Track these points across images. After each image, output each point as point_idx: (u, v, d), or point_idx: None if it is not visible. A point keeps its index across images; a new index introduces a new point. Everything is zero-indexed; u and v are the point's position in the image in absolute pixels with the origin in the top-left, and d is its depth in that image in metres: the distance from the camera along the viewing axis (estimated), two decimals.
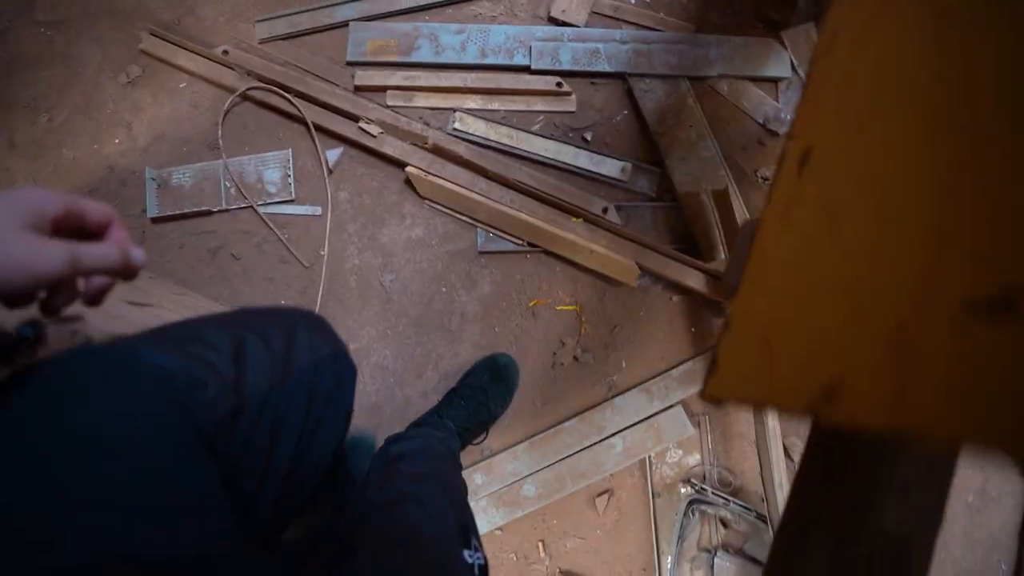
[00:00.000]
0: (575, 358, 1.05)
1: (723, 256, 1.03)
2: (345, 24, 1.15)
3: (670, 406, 1.04)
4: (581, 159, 1.10)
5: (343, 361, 0.55)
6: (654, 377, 1.05)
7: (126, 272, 0.36)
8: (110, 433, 0.33)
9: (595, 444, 1.02)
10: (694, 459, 1.04)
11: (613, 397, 1.04)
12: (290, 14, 1.16)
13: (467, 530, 0.58)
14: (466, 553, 0.54)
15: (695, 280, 1.03)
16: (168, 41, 1.13)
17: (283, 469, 0.44)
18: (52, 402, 0.33)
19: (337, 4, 1.16)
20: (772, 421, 1.01)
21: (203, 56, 1.12)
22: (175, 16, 1.17)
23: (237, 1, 1.17)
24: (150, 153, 1.11)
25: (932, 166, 0.24)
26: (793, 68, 1.16)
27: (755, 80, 1.16)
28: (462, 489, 0.73)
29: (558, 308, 1.06)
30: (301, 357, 0.48)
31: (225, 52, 1.13)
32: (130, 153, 1.11)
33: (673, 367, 1.06)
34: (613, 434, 1.02)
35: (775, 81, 1.16)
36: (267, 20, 1.16)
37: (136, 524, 0.31)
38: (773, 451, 1.01)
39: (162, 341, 0.40)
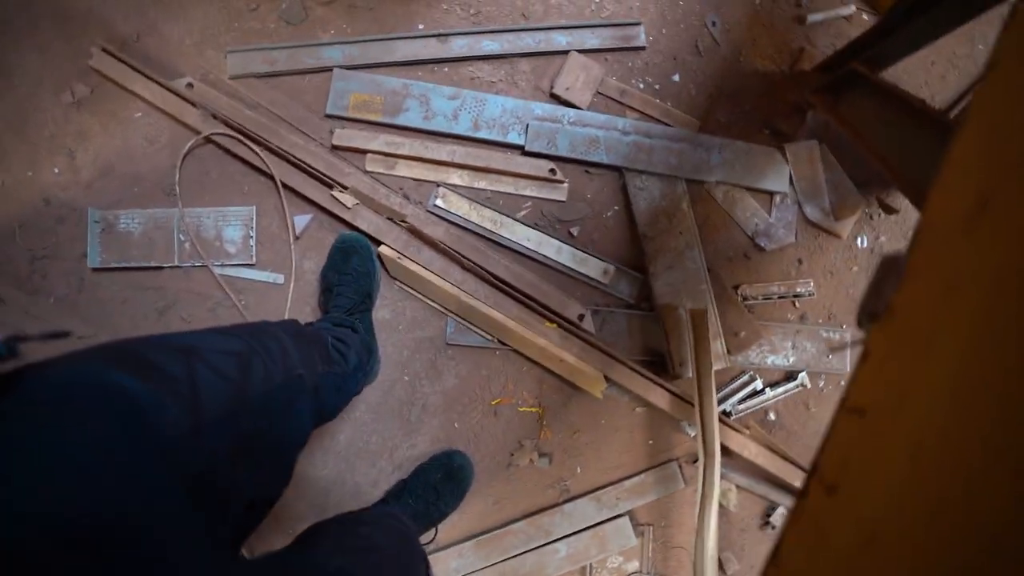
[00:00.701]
0: (531, 461, 1.04)
1: (690, 374, 1.02)
2: (329, 70, 1.05)
3: (617, 516, 1.05)
4: (564, 255, 1.06)
5: (295, 384, 0.59)
6: (607, 486, 1.06)
7: None
8: (76, 448, 0.34)
9: (541, 547, 1.03)
10: (632, 566, 1.07)
11: (564, 502, 1.05)
12: (267, 48, 1.04)
13: (424, 558, 0.69)
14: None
15: (660, 398, 1.03)
16: (123, 62, 1.00)
17: (247, 488, 0.47)
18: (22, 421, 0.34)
19: (322, 44, 1.05)
20: (711, 540, 1.04)
21: (163, 87, 1.00)
22: (134, 30, 1.03)
23: (208, 24, 1.04)
24: (95, 190, 1.00)
25: None
26: (791, 183, 1.13)
27: (752, 190, 1.13)
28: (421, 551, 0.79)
29: (521, 409, 1.05)
30: (256, 385, 0.51)
31: (189, 85, 1.01)
32: (71, 187, 1.00)
33: (626, 478, 1.07)
34: (559, 539, 1.04)
35: (771, 194, 1.13)
36: (241, 52, 1.04)
37: (97, 506, 0.33)
38: (709, 565, 1.04)
39: (120, 362, 0.41)
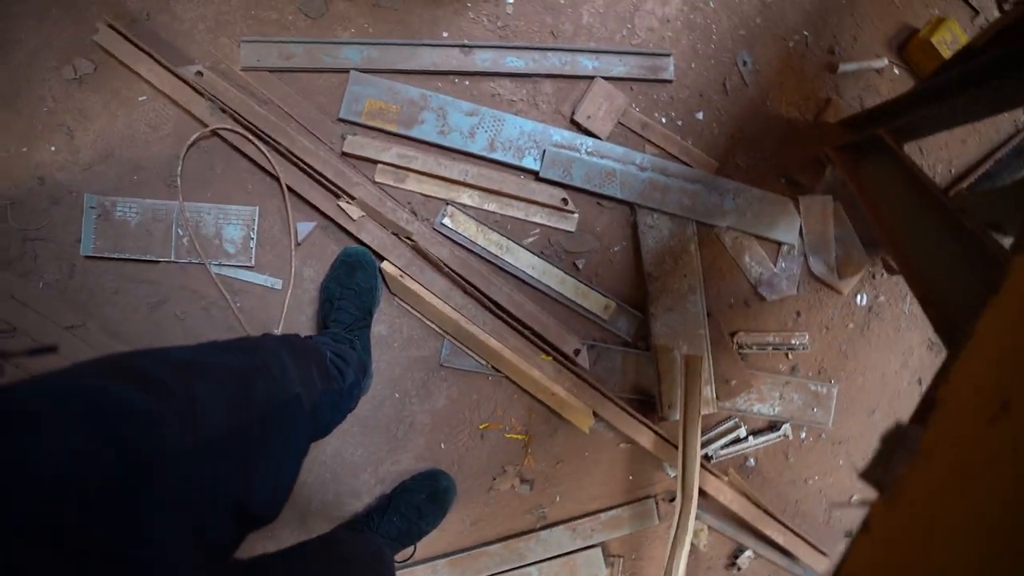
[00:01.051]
0: (512, 486, 1.06)
1: (677, 417, 1.04)
2: (345, 71, 1.01)
3: (590, 546, 1.08)
4: (567, 286, 1.06)
5: (293, 405, 0.59)
6: (584, 516, 1.08)
7: None
8: (65, 457, 0.34)
9: (513, 570, 1.06)
10: None
11: (540, 529, 1.07)
12: (284, 42, 1.00)
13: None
14: None
15: (645, 439, 1.05)
16: (130, 41, 0.95)
17: (244, 506, 0.47)
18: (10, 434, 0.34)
19: (341, 43, 1.01)
20: None
21: (172, 73, 0.95)
22: (144, 7, 0.98)
23: (223, 8, 0.99)
24: (93, 173, 0.97)
25: None
26: (800, 235, 1.13)
27: (761, 239, 1.13)
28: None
29: (507, 435, 1.06)
30: (255, 404, 0.51)
31: (199, 74, 0.97)
32: (68, 167, 0.96)
33: (603, 510, 1.09)
34: (532, 563, 1.06)
35: (779, 244, 1.13)
36: (255, 43, 0.99)
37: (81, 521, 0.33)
38: None
39: (120, 375, 0.41)
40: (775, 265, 1.13)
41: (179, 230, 0.97)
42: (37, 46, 0.95)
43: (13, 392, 0.36)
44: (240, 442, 0.48)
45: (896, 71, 1.19)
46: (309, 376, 0.71)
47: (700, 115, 1.11)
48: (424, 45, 1.03)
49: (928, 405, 0.39)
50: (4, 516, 0.31)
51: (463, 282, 1.00)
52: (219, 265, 0.98)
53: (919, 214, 0.83)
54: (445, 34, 1.04)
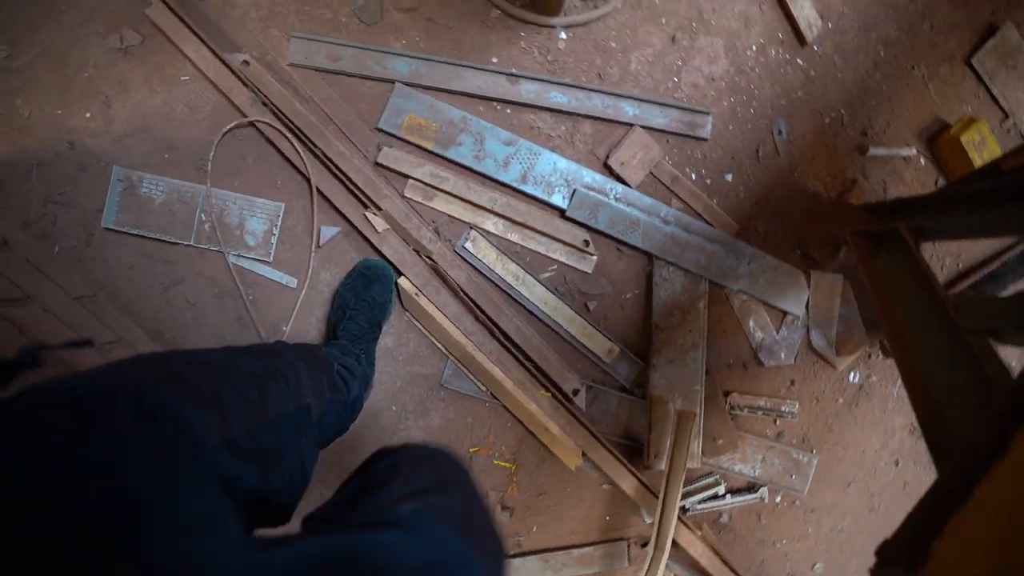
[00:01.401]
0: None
1: (663, 467, 1.06)
2: (391, 81, 1.01)
3: None
4: (575, 325, 1.07)
5: (304, 415, 0.61)
6: (557, 549, 1.10)
7: None
8: (107, 451, 0.35)
9: None
10: None
11: (513, 556, 1.09)
12: (334, 43, 0.99)
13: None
14: None
15: (628, 484, 1.07)
16: (181, 20, 0.94)
17: (260, 503, 0.49)
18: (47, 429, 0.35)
19: (391, 53, 1.01)
20: None
21: (218, 58, 0.95)
22: None
23: (278, 0, 0.99)
24: (124, 146, 0.96)
25: None
26: (806, 308, 1.16)
27: (768, 306, 1.15)
28: None
29: (496, 462, 1.07)
30: (271, 409, 0.53)
31: (245, 63, 0.96)
32: (100, 135, 0.95)
33: (577, 546, 1.11)
34: None
35: (784, 313, 1.16)
36: (306, 40, 0.99)
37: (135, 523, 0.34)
38: None
39: (157, 375, 0.44)
40: (777, 333, 1.16)
41: (203, 215, 0.97)
42: (87, 11, 0.94)
43: (54, 387, 0.37)
44: (260, 443, 0.49)
45: (922, 161, 1.22)
46: (319, 386, 0.72)
47: (729, 177, 1.13)
48: (472, 68, 1.03)
49: (918, 549, 0.42)
50: (41, 505, 0.32)
51: (476, 309, 1.01)
52: (237, 256, 0.98)
53: (925, 317, 0.85)
54: (495, 60, 1.05)
